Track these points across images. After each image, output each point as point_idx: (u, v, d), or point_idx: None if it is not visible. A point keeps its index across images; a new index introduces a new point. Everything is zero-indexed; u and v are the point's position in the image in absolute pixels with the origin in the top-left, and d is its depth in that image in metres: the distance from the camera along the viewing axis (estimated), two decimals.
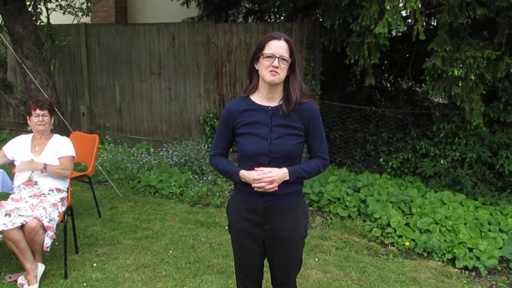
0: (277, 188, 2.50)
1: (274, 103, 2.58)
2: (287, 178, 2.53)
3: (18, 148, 4.31)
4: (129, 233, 5.14)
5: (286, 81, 2.55)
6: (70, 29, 8.77)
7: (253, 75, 2.62)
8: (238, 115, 2.61)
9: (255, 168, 2.52)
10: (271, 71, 2.47)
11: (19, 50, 6.49)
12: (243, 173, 2.56)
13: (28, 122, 4.31)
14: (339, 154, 7.36)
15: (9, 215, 3.77)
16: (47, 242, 3.89)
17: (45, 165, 4.16)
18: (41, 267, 4.01)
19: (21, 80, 8.53)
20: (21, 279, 3.96)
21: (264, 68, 2.50)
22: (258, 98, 2.61)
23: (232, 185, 6.60)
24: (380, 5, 5.36)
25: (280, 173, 2.51)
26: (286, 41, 2.51)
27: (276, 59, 2.46)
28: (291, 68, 2.54)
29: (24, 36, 6.44)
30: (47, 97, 6.29)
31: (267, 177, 2.47)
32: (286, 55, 2.49)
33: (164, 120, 8.47)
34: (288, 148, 2.54)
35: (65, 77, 9.25)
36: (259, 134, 2.55)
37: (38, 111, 4.23)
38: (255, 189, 2.51)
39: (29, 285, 3.92)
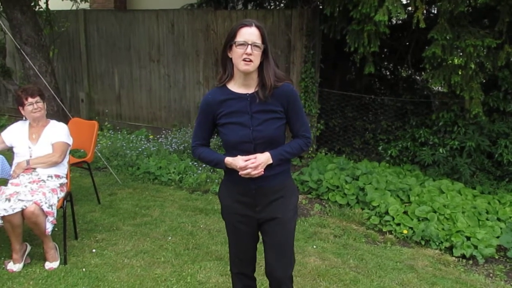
0: (262, 173, 2.54)
1: (251, 90, 2.60)
2: (271, 161, 2.57)
3: (16, 135, 4.32)
4: (128, 220, 5.16)
5: (260, 68, 2.56)
6: (69, 15, 8.73)
7: (226, 64, 2.62)
8: (217, 106, 2.62)
9: (240, 157, 2.56)
10: (244, 59, 2.48)
11: (17, 36, 6.46)
12: (229, 160, 2.58)
13: (22, 112, 4.30)
14: (338, 142, 7.36)
15: (9, 200, 3.78)
16: (48, 227, 3.93)
17: (28, 161, 4.17)
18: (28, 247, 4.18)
19: (20, 66, 8.51)
20: (10, 265, 4.03)
21: (237, 56, 2.50)
22: (234, 86, 2.62)
23: None
24: None
25: (263, 158, 2.54)
26: (258, 27, 2.51)
27: (249, 46, 2.46)
28: (264, 54, 2.54)
29: (22, 22, 6.41)
30: (45, 83, 6.29)
31: (251, 163, 2.51)
32: (258, 41, 2.49)
33: (163, 107, 8.45)
34: (271, 133, 2.58)
35: (64, 64, 9.22)
36: (241, 123, 2.57)
37: (30, 99, 4.21)
38: (241, 176, 2.55)
39: (14, 263, 4.00)
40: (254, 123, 2.57)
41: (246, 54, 2.46)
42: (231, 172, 2.63)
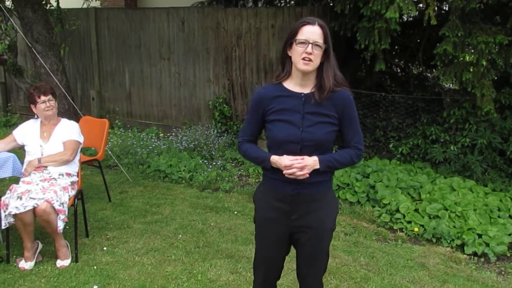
0: (307, 176, 2.43)
1: (307, 90, 2.49)
2: (318, 166, 2.45)
3: (28, 133, 4.35)
4: (139, 217, 5.18)
5: (320, 68, 2.46)
6: (80, 13, 8.77)
7: (285, 62, 2.52)
8: (269, 102, 2.52)
9: (286, 156, 2.45)
10: (304, 58, 2.38)
11: (29, 34, 6.50)
12: (275, 158, 2.47)
13: (34, 110, 4.33)
14: None
15: (21, 198, 3.81)
16: (60, 225, 3.95)
17: (39, 160, 4.20)
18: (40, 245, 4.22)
19: (31, 65, 8.56)
20: (22, 263, 4.06)
21: (297, 55, 2.40)
22: (290, 84, 2.52)
23: (241, 171, 6.62)
24: None
25: (311, 161, 2.43)
26: (320, 26, 2.42)
27: (310, 45, 2.37)
28: (325, 54, 2.44)
29: (34, 20, 6.44)
30: (57, 81, 6.32)
31: (298, 163, 2.40)
32: (320, 41, 2.39)
33: (173, 105, 8.47)
34: (321, 137, 2.46)
35: (74, 62, 9.26)
36: (291, 121, 2.46)
37: (43, 97, 4.24)
38: (286, 175, 2.44)
39: (25, 261, 4.03)
40: (305, 124, 2.45)
41: (306, 53, 2.37)
42: (272, 174, 2.53)
